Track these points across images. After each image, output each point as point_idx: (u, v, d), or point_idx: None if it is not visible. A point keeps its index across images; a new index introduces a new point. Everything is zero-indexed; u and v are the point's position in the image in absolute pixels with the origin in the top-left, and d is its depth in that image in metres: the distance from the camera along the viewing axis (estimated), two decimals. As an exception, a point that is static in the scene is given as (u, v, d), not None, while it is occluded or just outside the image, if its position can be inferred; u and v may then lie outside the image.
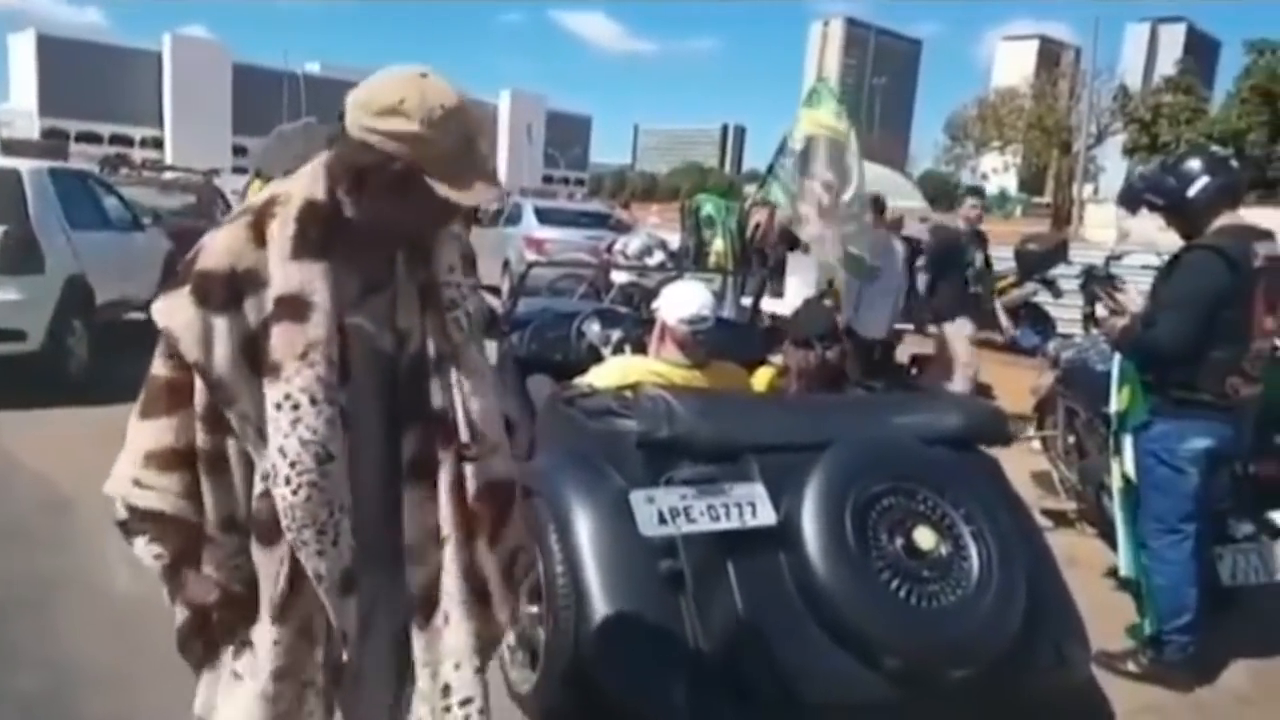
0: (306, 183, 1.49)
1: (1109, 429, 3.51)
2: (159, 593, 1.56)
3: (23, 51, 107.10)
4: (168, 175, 14.76)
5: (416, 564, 1.57)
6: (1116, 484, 3.35)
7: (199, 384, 1.43)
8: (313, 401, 1.42)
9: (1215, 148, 3.37)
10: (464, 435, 1.57)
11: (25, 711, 2.65)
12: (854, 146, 6.04)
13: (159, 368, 1.47)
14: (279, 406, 1.43)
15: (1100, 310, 3.37)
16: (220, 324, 1.41)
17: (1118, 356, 3.33)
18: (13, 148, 13.08)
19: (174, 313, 1.42)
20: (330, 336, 1.44)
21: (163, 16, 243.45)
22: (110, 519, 1.51)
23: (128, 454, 1.49)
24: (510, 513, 1.64)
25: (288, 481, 1.44)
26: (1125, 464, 3.26)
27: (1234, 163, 3.18)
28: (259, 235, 1.45)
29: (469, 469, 1.57)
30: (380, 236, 1.52)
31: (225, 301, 1.41)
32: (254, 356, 1.43)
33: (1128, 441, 3.24)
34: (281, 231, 1.44)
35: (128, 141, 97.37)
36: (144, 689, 2.74)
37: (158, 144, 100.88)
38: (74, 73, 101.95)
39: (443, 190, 1.40)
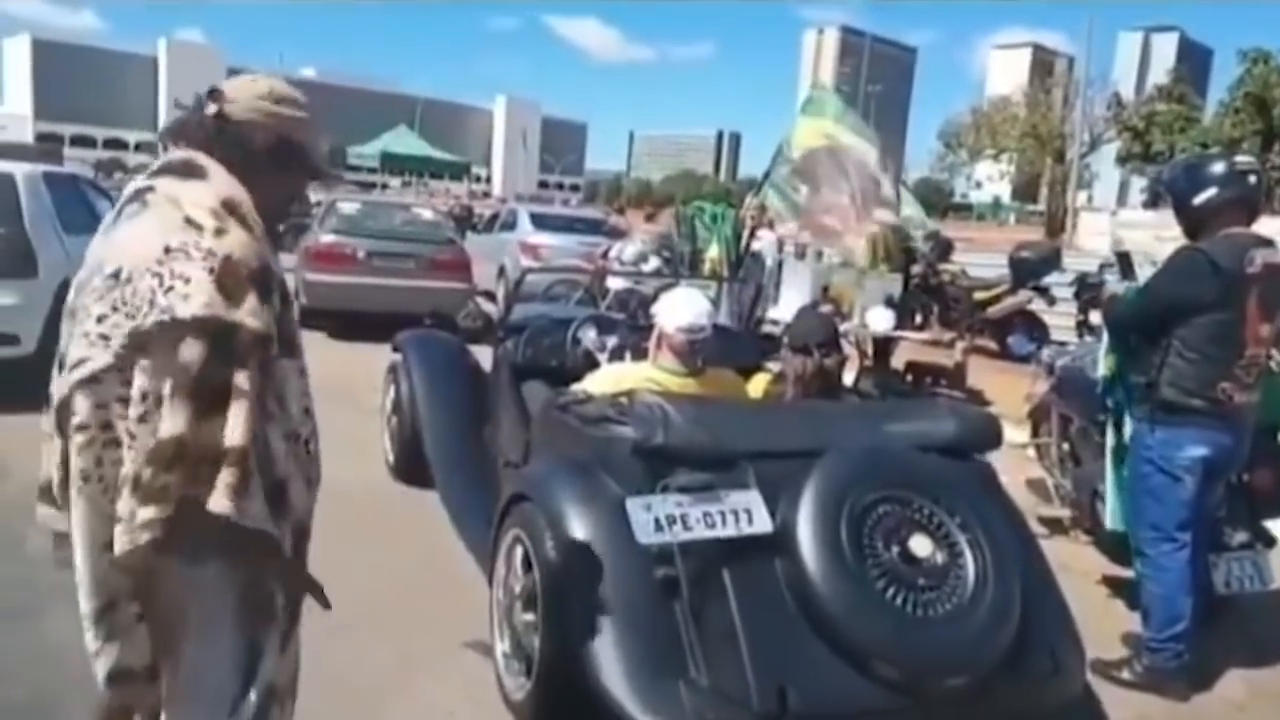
0: (229, 181, 1.60)
1: (1104, 435, 3.56)
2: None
3: (17, 56, 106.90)
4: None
5: None
6: (1109, 442, 3.50)
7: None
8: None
9: (1243, 157, 3.34)
10: None
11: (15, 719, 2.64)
12: (858, 144, 6.00)
13: (246, 381, 1.46)
14: (302, 373, 1.65)
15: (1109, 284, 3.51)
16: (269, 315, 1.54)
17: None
18: (7, 152, 13.04)
19: (262, 319, 1.50)
20: None
21: (159, 20, 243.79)
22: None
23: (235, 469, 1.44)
24: None
25: (310, 439, 1.64)
26: (1125, 429, 3.38)
27: (1253, 177, 3.16)
28: (258, 234, 1.58)
29: None
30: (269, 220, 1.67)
31: (272, 296, 1.55)
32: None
33: (1126, 419, 3.35)
34: (260, 228, 1.59)
35: (122, 145, 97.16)
36: None
37: (152, 148, 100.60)
38: (69, 77, 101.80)
39: (315, 159, 1.75)
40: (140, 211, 1.58)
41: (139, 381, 1.45)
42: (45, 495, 1.68)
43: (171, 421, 1.42)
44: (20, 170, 6.46)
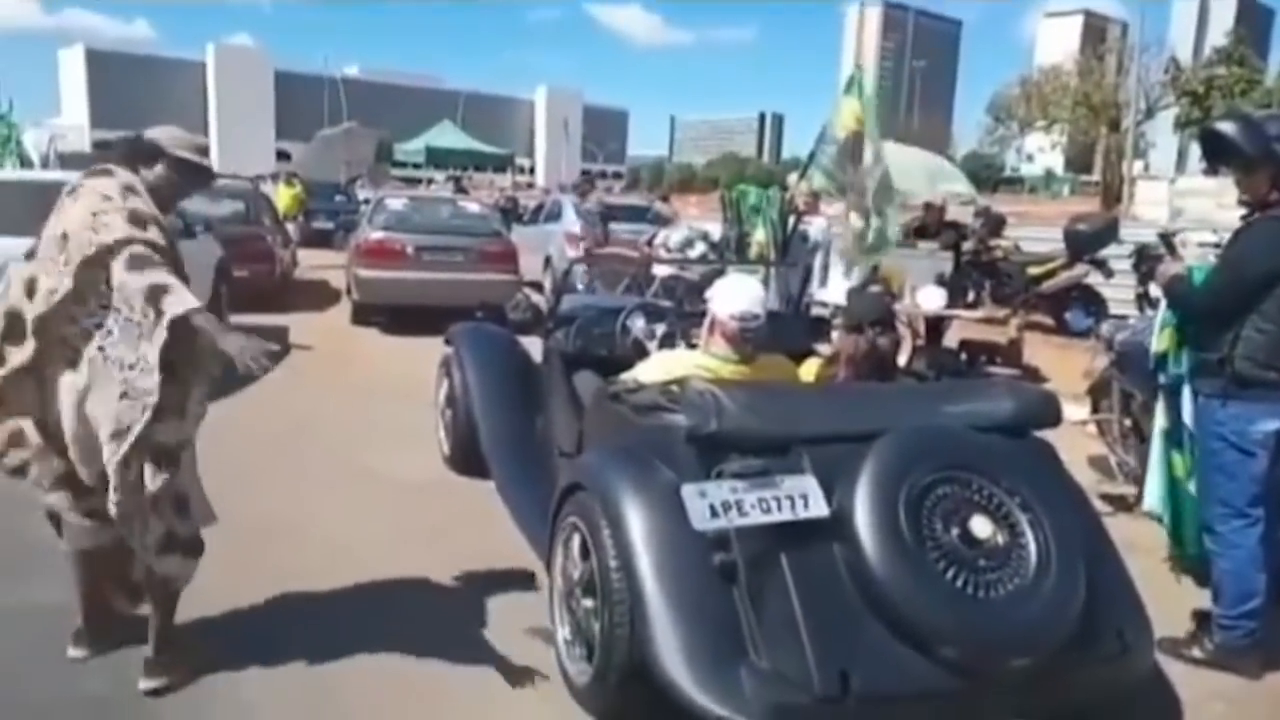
0: (128, 176, 2.64)
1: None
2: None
3: (73, 67, 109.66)
4: (216, 182, 15.04)
5: None
6: (1158, 424, 3.43)
7: None
8: None
9: None
10: None
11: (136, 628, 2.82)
12: (873, 134, 6.25)
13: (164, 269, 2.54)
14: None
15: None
16: None
17: (1164, 302, 3.36)
18: (67, 160, 13.41)
19: (161, 239, 2.61)
20: None
21: (209, 25, 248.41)
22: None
23: None
24: None
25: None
26: (1185, 413, 3.26)
27: None
28: (148, 201, 2.65)
29: None
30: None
31: (163, 233, 2.66)
32: None
33: (1186, 397, 3.24)
34: (149, 201, 2.66)
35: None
36: (251, 607, 3.14)
37: (205, 151, 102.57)
38: (122, 85, 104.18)
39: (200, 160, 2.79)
40: (76, 199, 2.57)
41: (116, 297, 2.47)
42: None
43: (139, 279, 2.43)
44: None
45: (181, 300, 2.41)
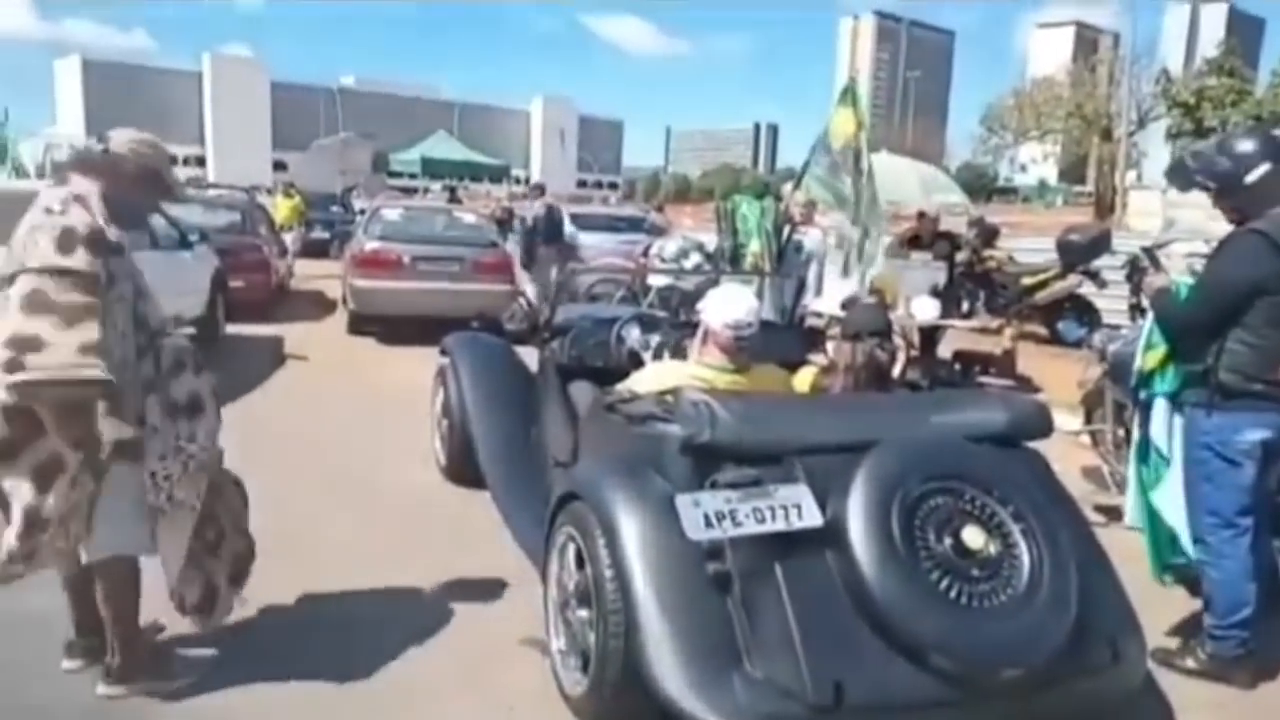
0: (83, 183, 2.54)
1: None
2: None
3: (68, 77, 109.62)
4: (211, 193, 15.03)
5: None
6: (1135, 437, 3.43)
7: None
8: None
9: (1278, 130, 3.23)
10: None
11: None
12: (864, 149, 6.36)
13: (79, 298, 2.39)
14: (123, 300, 2.63)
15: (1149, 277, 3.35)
16: None
17: (1150, 316, 3.37)
18: (62, 170, 13.44)
19: (90, 264, 2.46)
20: None
21: (206, 36, 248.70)
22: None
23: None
24: None
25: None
26: (1153, 426, 3.30)
27: None
28: (96, 213, 2.53)
29: None
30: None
31: (102, 249, 2.48)
32: None
33: (1160, 406, 3.27)
34: (102, 211, 2.53)
35: (171, 160, 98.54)
36: (245, 617, 3.02)
37: (200, 162, 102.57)
38: (119, 95, 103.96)
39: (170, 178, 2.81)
40: (31, 209, 2.49)
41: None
42: None
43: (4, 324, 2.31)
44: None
45: (43, 363, 2.26)
